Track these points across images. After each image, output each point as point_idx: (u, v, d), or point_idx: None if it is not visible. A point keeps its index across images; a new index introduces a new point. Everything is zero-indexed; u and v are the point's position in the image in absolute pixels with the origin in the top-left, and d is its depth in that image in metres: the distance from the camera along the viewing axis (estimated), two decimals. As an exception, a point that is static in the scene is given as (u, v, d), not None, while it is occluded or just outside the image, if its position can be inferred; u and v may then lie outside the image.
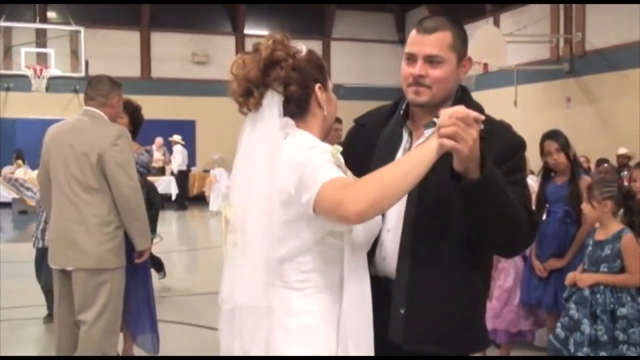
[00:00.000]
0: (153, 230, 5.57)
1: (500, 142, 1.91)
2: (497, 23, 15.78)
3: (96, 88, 3.84)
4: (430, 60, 1.97)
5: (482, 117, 1.72)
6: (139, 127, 4.53)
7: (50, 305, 5.14)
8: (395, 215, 2.01)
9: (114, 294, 3.77)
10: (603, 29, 12.93)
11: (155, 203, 5.50)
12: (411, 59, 2.02)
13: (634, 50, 12.17)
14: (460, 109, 1.68)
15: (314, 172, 1.77)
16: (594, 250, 3.67)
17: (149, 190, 5.44)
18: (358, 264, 1.89)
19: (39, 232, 5.41)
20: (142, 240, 3.85)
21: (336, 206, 1.70)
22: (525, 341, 4.79)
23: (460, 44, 2.00)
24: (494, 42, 13.17)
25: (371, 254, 1.99)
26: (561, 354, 3.64)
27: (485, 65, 13.08)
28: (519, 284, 4.61)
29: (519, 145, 1.98)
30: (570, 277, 3.73)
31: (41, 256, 5.36)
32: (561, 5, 13.99)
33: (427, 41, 1.97)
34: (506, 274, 4.64)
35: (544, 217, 4.56)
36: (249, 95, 1.94)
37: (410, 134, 2.11)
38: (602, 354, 3.46)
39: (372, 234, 1.93)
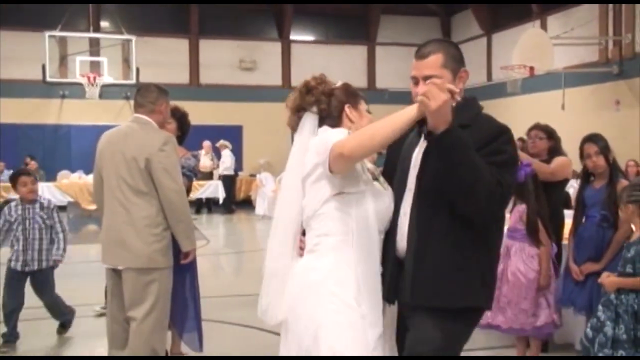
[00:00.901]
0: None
1: (482, 129, 2.32)
2: (544, 25, 15.59)
3: (145, 96, 4.02)
4: (428, 80, 2.35)
5: (456, 89, 2.20)
6: (187, 133, 4.71)
7: (10, 325, 5.26)
8: (409, 202, 2.45)
9: (162, 292, 3.94)
10: (653, 30, 12.70)
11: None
12: (414, 81, 2.45)
13: (685, 52, 11.93)
14: (439, 81, 2.24)
15: (328, 139, 2.42)
16: (625, 251, 3.71)
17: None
18: (366, 237, 2.46)
19: (19, 252, 5.30)
20: (187, 241, 4.01)
21: (338, 149, 2.32)
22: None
23: (453, 61, 2.40)
24: (540, 45, 13.06)
25: (392, 238, 2.49)
26: (589, 353, 3.69)
27: (532, 68, 12.97)
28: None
29: (498, 130, 2.32)
30: (602, 277, 3.78)
31: (11, 277, 5.34)
32: (610, 6, 13.76)
33: (423, 65, 2.40)
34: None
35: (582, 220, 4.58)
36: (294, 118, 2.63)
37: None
38: (621, 352, 3.49)
39: (382, 216, 2.48)
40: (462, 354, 2.54)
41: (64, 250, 5.50)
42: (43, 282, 5.43)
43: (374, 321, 2.42)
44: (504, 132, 2.32)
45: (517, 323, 4.54)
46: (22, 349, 5.03)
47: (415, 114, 2.25)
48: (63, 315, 5.62)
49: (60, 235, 5.45)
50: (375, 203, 2.46)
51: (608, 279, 3.68)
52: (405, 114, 2.27)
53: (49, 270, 5.46)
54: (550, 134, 5.37)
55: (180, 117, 4.62)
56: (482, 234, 2.36)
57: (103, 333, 4.82)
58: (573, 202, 4.76)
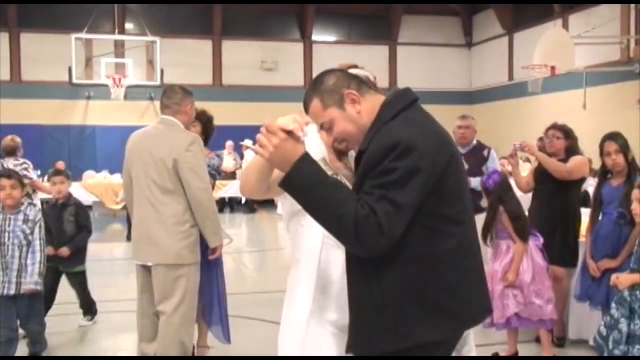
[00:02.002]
0: (82, 260, 5.60)
1: (371, 149, 2.02)
2: (565, 24, 15.54)
3: (170, 97, 4.14)
4: (324, 127, 2.20)
5: (290, 127, 1.96)
6: (211, 136, 4.82)
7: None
8: None
9: (190, 287, 4.09)
10: (676, 28, 12.63)
11: (84, 226, 5.50)
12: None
13: None
14: (277, 121, 1.98)
15: None
16: (639, 249, 3.77)
17: (78, 212, 5.48)
18: (315, 260, 2.41)
19: (12, 274, 4.51)
20: (214, 237, 4.16)
21: None
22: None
23: (330, 96, 2.14)
24: (561, 44, 13.04)
25: None
26: (603, 350, 3.75)
27: (553, 68, 12.95)
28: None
29: (386, 148, 1.95)
30: (612, 279, 3.84)
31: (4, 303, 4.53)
32: (632, 6, 13.70)
33: (311, 117, 2.21)
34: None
35: (600, 217, 4.65)
36: None
37: None
38: (638, 347, 3.55)
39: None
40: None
41: (40, 275, 4.58)
42: (28, 307, 4.68)
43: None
44: (392, 148, 1.93)
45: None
46: (50, 343, 5.18)
47: (260, 160, 2.15)
48: (40, 346, 4.90)
49: (37, 256, 4.57)
50: None
51: (622, 277, 3.73)
52: (256, 162, 2.23)
53: (34, 296, 4.66)
54: (567, 133, 5.43)
55: (206, 122, 4.74)
56: (406, 260, 2.02)
57: (130, 327, 5.00)
58: (591, 200, 4.83)
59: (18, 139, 8.15)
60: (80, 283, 5.69)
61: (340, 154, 2.51)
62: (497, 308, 4.54)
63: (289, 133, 1.96)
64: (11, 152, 8.08)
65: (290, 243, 2.54)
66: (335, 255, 2.36)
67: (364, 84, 2.21)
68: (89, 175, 15.73)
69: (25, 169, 8.08)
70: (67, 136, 17.50)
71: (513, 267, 4.55)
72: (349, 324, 2.17)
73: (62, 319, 5.85)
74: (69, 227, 5.45)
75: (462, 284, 2.07)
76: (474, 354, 2.54)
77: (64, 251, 5.40)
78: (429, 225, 2.01)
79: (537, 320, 4.63)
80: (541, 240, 4.74)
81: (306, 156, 1.96)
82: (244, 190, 2.38)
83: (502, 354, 4.92)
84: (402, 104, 2.11)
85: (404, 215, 1.93)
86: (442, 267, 2.03)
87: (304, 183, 1.94)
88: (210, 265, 4.40)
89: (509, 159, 5.61)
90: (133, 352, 4.75)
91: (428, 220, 2.01)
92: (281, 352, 2.47)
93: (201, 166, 4.07)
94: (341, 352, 2.30)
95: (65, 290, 5.76)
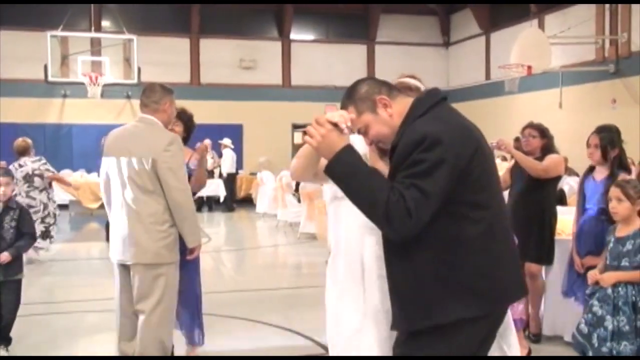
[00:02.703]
0: (21, 268, 5.10)
1: (401, 144, 2.23)
2: (541, 25, 15.70)
3: (149, 96, 4.12)
4: (360, 132, 2.41)
5: (335, 119, 2.20)
6: (191, 134, 4.82)
7: None
8: None
9: (169, 286, 4.08)
10: (649, 29, 12.82)
11: (27, 233, 5.09)
12: None
13: (681, 51, 12.04)
14: (326, 115, 2.22)
15: None
16: (615, 246, 3.81)
17: (21, 217, 5.05)
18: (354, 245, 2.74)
19: None
20: (192, 238, 4.12)
21: None
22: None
23: (363, 102, 2.37)
24: (537, 44, 13.16)
25: None
26: (585, 348, 3.79)
27: (529, 67, 13.07)
28: None
29: (415, 141, 2.16)
30: (591, 275, 3.88)
31: None
32: (607, 6, 13.87)
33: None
34: None
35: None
36: None
37: None
38: (625, 343, 3.60)
39: None
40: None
41: None
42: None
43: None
44: (420, 141, 2.15)
45: None
46: (26, 342, 5.14)
47: (309, 148, 2.41)
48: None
49: None
50: None
51: (606, 275, 3.77)
52: (306, 149, 2.54)
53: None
54: (543, 132, 5.50)
55: (187, 120, 4.72)
56: (438, 245, 2.22)
57: (108, 327, 4.97)
58: (568, 198, 4.88)
59: (29, 140, 8.88)
60: (15, 293, 5.07)
61: (382, 153, 2.66)
62: None
63: (335, 125, 2.19)
64: (24, 152, 8.67)
65: (331, 227, 2.82)
66: (370, 241, 2.64)
67: (395, 89, 2.43)
68: (66, 174, 15.57)
69: (45, 164, 8.75)
70: (43, 135, 17.26)
71: None
72: (391, 304, 2.35)
73: (35, 319, 5.80)
74: (8, 234, 4.98)
75: (492, 266, 2.25)
76: (514, 352, 2.65)
77: (4, 257, 4.89)
78: (458, 212, 2.21)
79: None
80: (515, 240, 4.80)
81: (348, 147, 2.19)
82: (294, 174, 2.73)
83: None
84: (429, 103, 2.31)
85: (431, 202, 2.12)
86: (472, 251, 2.21)
87: (344, 170, 2.17)
88: (187, 266, 4.34)
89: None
90: (111, 352, 4.72)
91: (457, 208, 2.20)
92: (333, 348, 2.68)
93: (180, 167, 4.05)
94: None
95: (36, 291, 5.71)
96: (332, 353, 2.79)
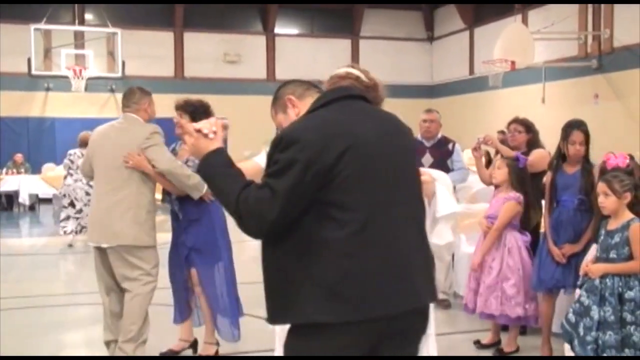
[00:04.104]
0: None
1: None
2: (525, 20, 15.83)
3: (129, 98, 4.53)
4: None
5: (187, 127, 2.35)
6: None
7: None
8: None
9: (150, 266, 4.40)
10: (631, 25, 12.94)
11: None
12: None
13: (662, 47, 12.21)
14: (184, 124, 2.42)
15: None
16: (605, 239, 3.89)
17: None
18: None
19: None
20: (195, 192, 4.44)
21: None
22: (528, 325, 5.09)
23: (276, 103, 2.57)
24: (521, 39, 13.29)
25: None
26: (572, 337, 3.88)
27: (513, 62, 13.20)
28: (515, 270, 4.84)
29: (274, 142, 2.22)
30: (583, 267, 3.97)
31: None
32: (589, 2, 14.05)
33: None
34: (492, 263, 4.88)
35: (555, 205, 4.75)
36: None
37: None
38: (610, 333, 3.68)
39: None
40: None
41: None
42: None
43: None
44: (278, 141, 2.19)
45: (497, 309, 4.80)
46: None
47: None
48: None
49: None
50: None
51: (594, 267, 3.86)
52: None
53: None
54: (528, 127, 5.57)
55: (193, 111, 4.63)
56: (300, 245, 2.17)
57: (96, 320, 5.00)
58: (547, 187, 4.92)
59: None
60: None
61: None
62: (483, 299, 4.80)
63: (201, 132, 2.31)
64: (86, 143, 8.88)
65: None
66: None
67: (313, 88, 2.54)
68: (49, 168, 15.51)
69: None
70: (26, 128, 17.18)
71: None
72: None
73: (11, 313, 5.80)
74: None
75: (359, 272, 2.13)
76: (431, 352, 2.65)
77: None
78: (323, 213, 2.15)
79: (515, 317, 4.83)
80: (529, 237, 4.94)
81: (215, 151, 2.29)
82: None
83: (484, 341, 5.09)
84: (321, 101, 2.33)
85: (278, 201, 2.10)
86: (335, 254, 2.12)
87: (207, 171, 2.30)
88: (215, 258, 4.59)
89: (472, 152, 5.73)
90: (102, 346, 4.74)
91: (322, 208, 2.15)
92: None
93: (161, 145, 4.40)
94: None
95: (14, 284, 5.69)
96: None
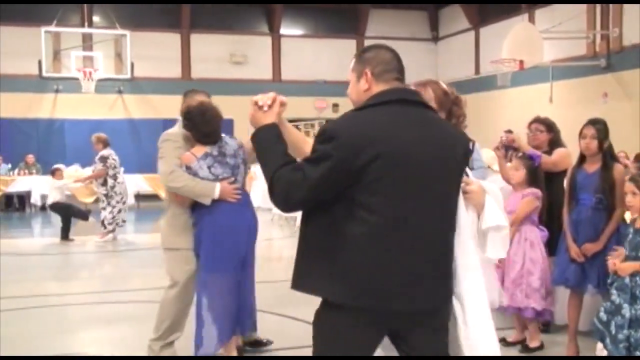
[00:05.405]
0: None
1: None
2: (531, 19, 15.85)
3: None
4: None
5: (256, 99, 2.54)
6: (207, 129, 4.50)
7: None
8: None
9: (181, 270, 4.43)
10: (640, 24, 13.01)
11: None
12: None
13: (671, 46, 12.24)
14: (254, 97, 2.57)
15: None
16: (634, 237, 3.95)
17: None
18: None
19: None
20: (205, 199, 4.30)
21: None
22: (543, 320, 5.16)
23: (357, 63, 2.54)
24: (529, 39, 13.31)
25: None
26: (603, 335, 3.93)
27: (521, 62, 13.23)
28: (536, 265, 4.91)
29: (319, 133, 2.40)
30: (610, 266, 4.02)
31: None
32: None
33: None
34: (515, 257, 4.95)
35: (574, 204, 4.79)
36: None
37: None
38: None
39: None
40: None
41: None
42: None
43: None
44: (322, 133, 2.37)
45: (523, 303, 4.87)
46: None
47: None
48: None
49: None
50: None
51: (623, 265, 3.91)
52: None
53: None
54: (549, 126, 5.61)
55: (189, 119, 4.54)
56: (325, 228, 2.37)
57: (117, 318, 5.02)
58: (566, 185, 4.97)
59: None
60: None
61: None
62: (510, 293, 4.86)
63: (256, 104, 2.54)
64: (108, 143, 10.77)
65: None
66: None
67: (392, 75, 2.49)
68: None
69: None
70: (36, 130, 17.25)
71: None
72: None
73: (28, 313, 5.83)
74: None
75: (368, 268, 2.32)
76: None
77: None
78: (350, 209, 2.32)
79: (540, 310, 4.91)
80: (546, 233, 5.03)
81: (268, 125, 2.50)
82: None
83: (510, 339, 5.13)
84: (374, 101, 2.41)
85: (306, 186, 2.30)
86: (350, 246, 2.32)
87: (257, 142, 2.50)
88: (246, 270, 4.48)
89: (495, 151, 5.77)
90: (134, 343, 4.79)
91: (350, 205, 2.32)
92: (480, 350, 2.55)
93: (164, 158, 4.38)
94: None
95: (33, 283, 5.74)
96: None
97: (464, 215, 2.54)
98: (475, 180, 2.66)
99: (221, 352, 4.45)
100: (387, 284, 2.32)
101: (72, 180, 12.15)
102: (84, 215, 11.40)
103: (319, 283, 2.38)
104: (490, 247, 2.65)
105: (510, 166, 5.37)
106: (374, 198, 2.29)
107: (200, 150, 4.36)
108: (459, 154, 2.49)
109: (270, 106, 2.53)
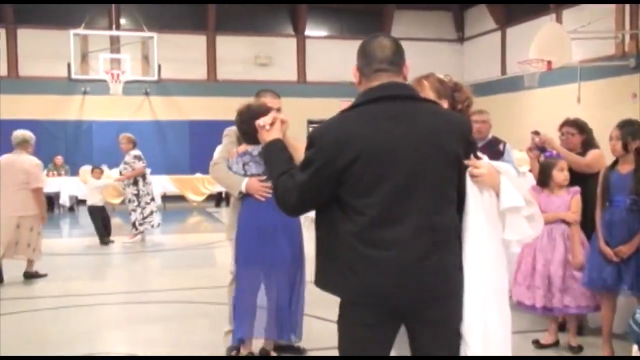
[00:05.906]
0: None
1: None
2: (559, 19, 15.68)
3: None
4: None
5: (259, 122, 2.78)
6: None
7: None
8: None
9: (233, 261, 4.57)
10: (670, 23, 12.83)
11: None
12: None
13: (702, 45, 12.04)
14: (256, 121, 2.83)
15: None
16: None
17: None
18: None
19: None
20: (234, 192, 4.49)
21: None
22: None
23: (358, 57, 2.57)
24: (557, 39, 13.17)
25: None
26: (639, 336, 3.87)
27: (549, 62, 13.11)
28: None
29: (307, 139, 2.52)
30: None
31: None
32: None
33: None
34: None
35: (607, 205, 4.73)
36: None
37: None
38: None
39: None
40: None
41: None
42: None
43: None
44: (307, 139, 2.51)
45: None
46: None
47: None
48: None
49: None
50: None
51: None
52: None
53: None
54: (581, 128, 5.55)
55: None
56: (325, 229, 2.51)
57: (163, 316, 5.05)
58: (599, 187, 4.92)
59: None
60: None
61: None
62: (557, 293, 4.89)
63: (259, 126, 2.80)
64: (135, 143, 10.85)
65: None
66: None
67: (373, 65, 2.49)
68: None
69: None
70: (64, 131, 17.46)
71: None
72: None
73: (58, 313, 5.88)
74: None
75: (357, 265, 2.41)
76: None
77: None
78: (341, 208, 2.44)
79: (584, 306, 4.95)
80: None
81: (272, 141, 2.72)
82: None
83: (543, 342, 5.09)
84: (360, 100, 2.47)
85: (297, 191, 2.46)
86: (343, 244, 2.43)
87: (264, 157, 2.80)
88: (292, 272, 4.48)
89: (527, 152, 5.72)
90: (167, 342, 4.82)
91: (340, 205, 2.44)
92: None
93: (218, 150, 4.72)
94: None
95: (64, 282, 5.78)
96: None
97: (475, 198, 2.53)
98: (484, 162, 2.59)
99: (242, 352, 4.47)
100: (379, 281, 2.39)
101: (112, 180, 12.00)
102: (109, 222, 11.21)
103: (330, 282, 2.52)
104: (508, 229, 2.60)
105: (556, 167, 5.31)
106: (360, 197, 2.38)
107: (242, 147, 4.51)
108: (453, 140, 2.45)
109: (271, 125, 2.76)
